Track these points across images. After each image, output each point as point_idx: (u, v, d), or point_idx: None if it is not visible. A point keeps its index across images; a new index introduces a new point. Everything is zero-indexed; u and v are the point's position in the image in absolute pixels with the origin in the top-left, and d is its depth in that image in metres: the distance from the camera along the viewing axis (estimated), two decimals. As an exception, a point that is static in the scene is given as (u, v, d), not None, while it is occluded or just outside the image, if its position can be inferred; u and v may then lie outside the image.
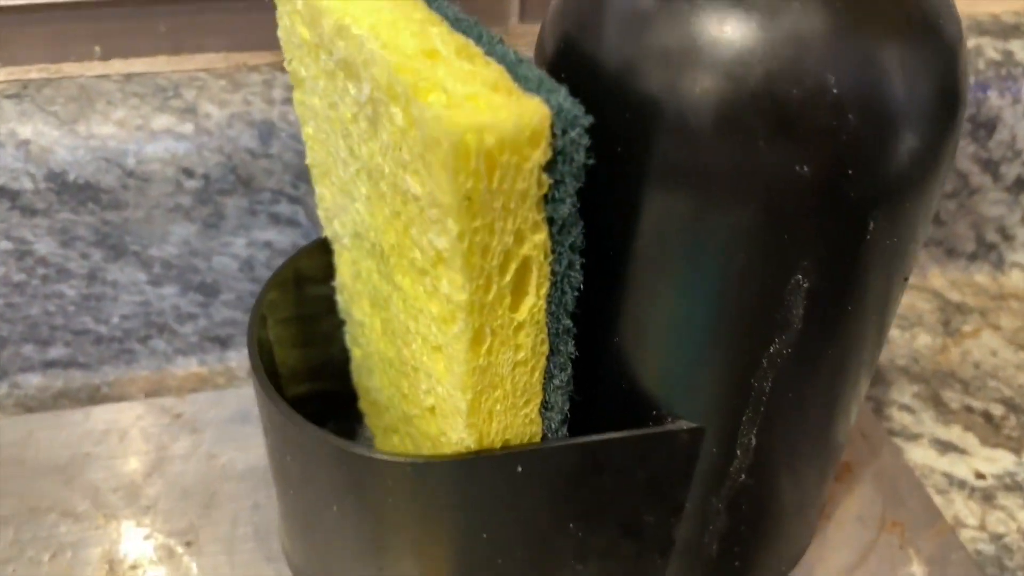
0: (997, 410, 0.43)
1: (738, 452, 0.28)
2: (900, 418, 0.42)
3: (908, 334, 0.47)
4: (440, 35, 0.23)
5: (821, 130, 0.22)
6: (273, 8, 0.38)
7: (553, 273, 0.23)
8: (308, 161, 0.31)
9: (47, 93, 0.37)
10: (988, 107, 0.44)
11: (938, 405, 0.43)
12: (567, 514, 0.29)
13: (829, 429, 0.30)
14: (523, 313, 0.23)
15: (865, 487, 0.39)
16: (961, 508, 0.39)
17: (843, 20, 0.22)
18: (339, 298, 0.35)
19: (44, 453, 0.38)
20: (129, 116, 0.37)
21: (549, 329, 0.24)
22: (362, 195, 0.27)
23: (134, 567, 0.34)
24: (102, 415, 0.40)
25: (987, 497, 0.39)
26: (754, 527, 0.31)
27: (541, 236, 0.22)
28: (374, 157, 0.25)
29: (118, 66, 0.38)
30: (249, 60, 0.39)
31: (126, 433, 0.39)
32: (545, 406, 0.26)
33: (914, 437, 0.42)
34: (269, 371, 0.31)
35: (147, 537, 0.35)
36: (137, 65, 0.38)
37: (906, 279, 0.27)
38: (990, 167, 0.46)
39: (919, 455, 0.41)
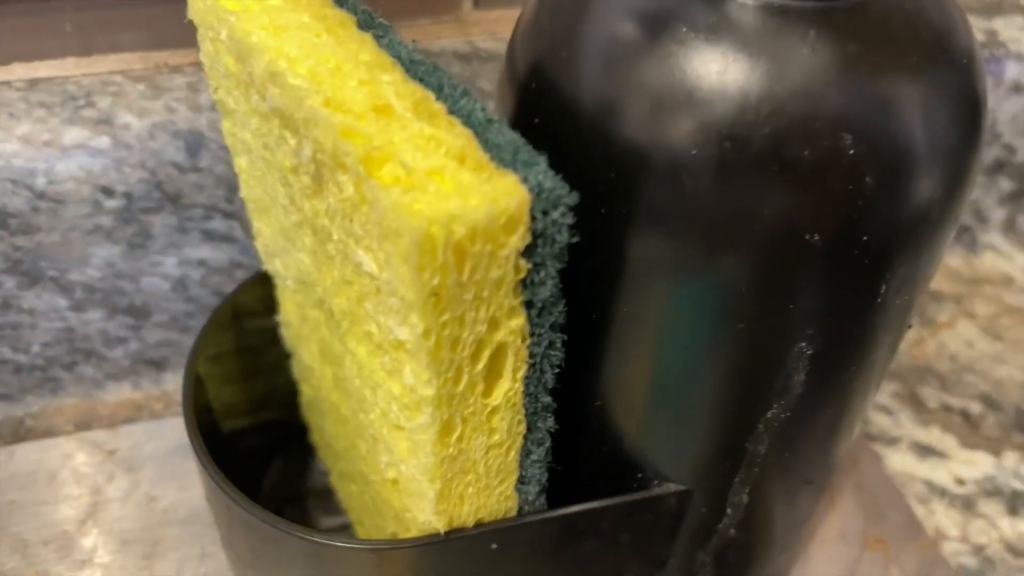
0: (975, 408, 0.42)
1: (729, 510, 0.26)
2: (878, 420, 0.41)
3: (882, 325, 0.45)
4: (393, 85, 0.19)
5: (835, 196, 0.19)
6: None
7: (531, 355, 0.20)
8: (243, 194, 0.28)
9: (-62, 103, 0.32)
10: (969, 90, 0.42)
11: (916, 405, 0.42)
12: (545, 580, 0.27)
13: (825, 474, 0.28)
14: (497, 398, 0.21)
15: (847, 501, 0.37)
16: (942, 518, 0.37)
17: (860, 68, 0.19)
18: (284, 333, 0.32)
19: (-37, 502, 0.34)
20: (35, 130, 0.32)
21: (526, 409, 0.22)
22: (306, 246, 0.24)
23: (71, 632, 0.31)
24: (27, 455, 0.36)
25: (968, 504, 0.38)
26: (742, 571, 0.29)
27: (518, 321, 0.19)
28: (319, 217, 0.21)
29: (19, 71, 0.33)
30: (170, 59, 0.35)
31: (55, 475, 0.36)
32: (521, 480, 0.24)
33: (893, 441, 0.40)
34: (201, 407, 0.28)
35: (84, 596, 0.32)
36: (41, 69, 0.33)
37: (910, 326, 0.25)
38: (968, 150, 0.44)
39: (898, 461, 0.39)
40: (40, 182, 0.32)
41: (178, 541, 0.34)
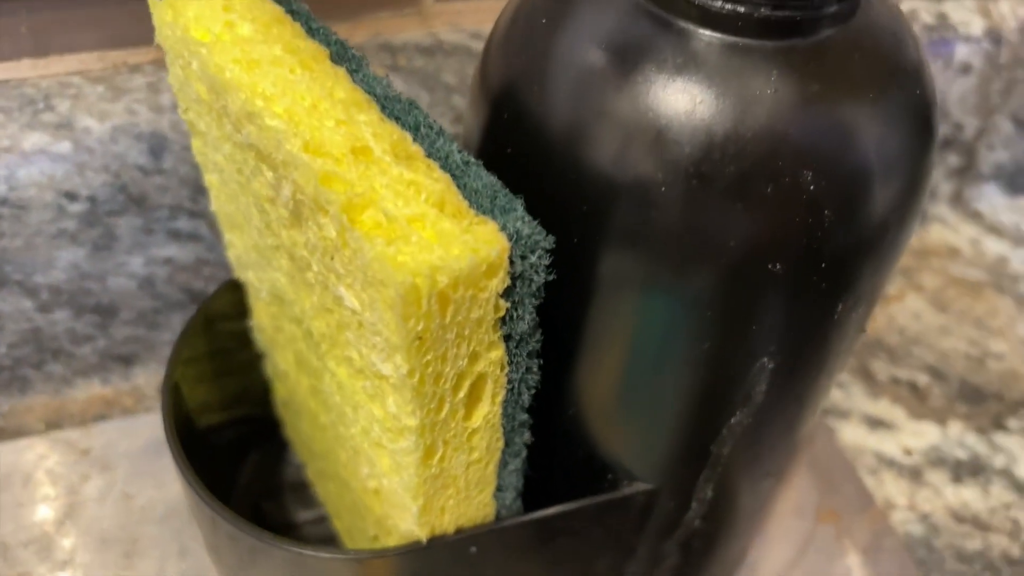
0: (922, 380, 0.44)
1: (694, 504, 0.27)
2: (831, 395, 0.43)
3: (835, 299, 0.47)
4: (370, 125, 0.20)
5: (795, 229, 0.20)
6: None
7: (509, 381, 0.21)
8: (213, 208, 0.28)
9: None
10: (919, 73, 0.43)
11: (867, 378, 0.44)
12: (520, 574, 0.28)
13: (784, 466, 0.29)
14: (477, 421, 0.22)
15: (801, 477, 0.39)
16: (891, 488, 0.40)
17: (819, 107, 0.20)
18: (257, 336, 0.32)
19: (-62, 507, 0.35)
20: (-6, 136, 0.32)
21: (504, 427, 0.23)
22: (283, 268, 0.24)
23: (56, 632, 0.32)
24: (1, 456, 0.36)
25: (915, 474, 0.40)
26: (706, 555, 0.31)
27: (497, 353, 0.20)
28: (297, 247, 0.22)
29: (-26, 74, 0.33)
30: (129, 58, 0.34)
31: (30, 476, 0.36)
32: (499, 488, 0.25)
33: (845, 415, 0.42)
34: (175, 406, 0.29)
35: (66, 596, 0.33)
36: (-4, 72, 0.33)
37: (864, 331, 0.26)
38: (917, 129, 0.46)
39: (850, 434, 0.41)
40: (1, 189, 0.32)
41: (157, 539, 0.35)
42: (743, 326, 0.22)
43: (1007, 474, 0.40)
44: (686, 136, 0.19)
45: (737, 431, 0.25)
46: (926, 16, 0.42)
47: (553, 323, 0.22)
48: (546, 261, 0.19)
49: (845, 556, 0.37)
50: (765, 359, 0.23)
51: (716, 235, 0.20)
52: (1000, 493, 0.40)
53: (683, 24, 0.20)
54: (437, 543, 0.24)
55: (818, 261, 0.20)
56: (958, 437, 0.42)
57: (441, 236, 0.18)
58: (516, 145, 0.22)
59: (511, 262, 0.18)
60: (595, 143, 0.20)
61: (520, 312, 0.19)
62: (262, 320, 0.30)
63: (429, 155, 0.19)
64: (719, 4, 0.19)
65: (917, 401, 0.43)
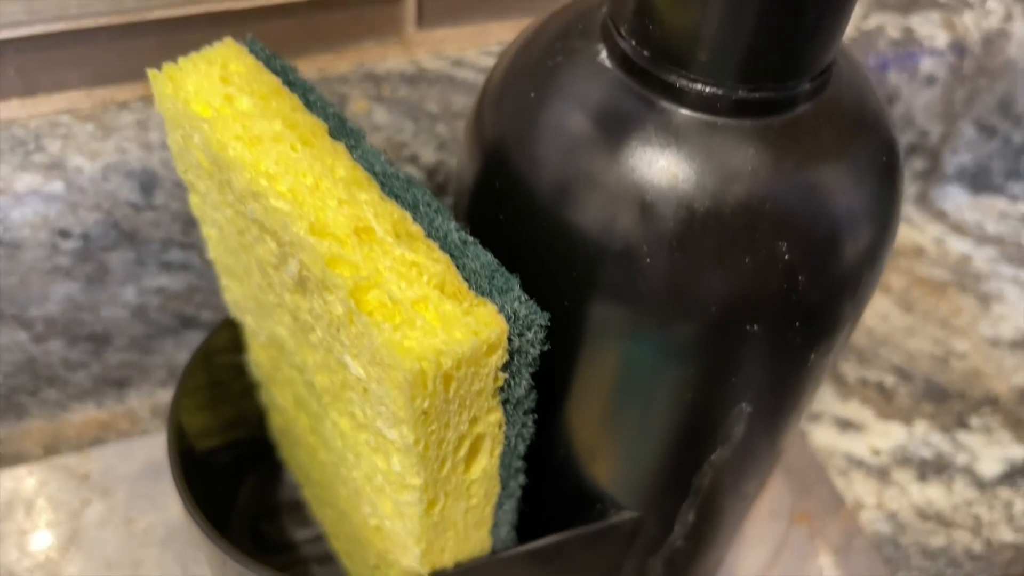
0: (889, 380, 0.46)
1: (677, 527, 0.29)
2: (803, 398, 0.45)
3: (806, 302, 0.49)
4: (371, 205, 0.21)
5: (771, 295, 0.21)
6: (140, 36, 0.34)
7: (506, 436, 0.22)
8: (210, 256, 0.29)
9: None
10: (887, 86, 0.44)
11: (837, 380, 0.46)
12: (514, 597, 0.29)
13: (765, 482, 0.31)
14: (476, 473, 0.23)
15: (775, 480, 0.41)
16: (860, 488, 0.42)
17: (794, 181, 0.21)
18: (254, 369, 0.33)
19: (-57, 536, 0.36)
20: (-13, 179, 0.32)
21: (501, 475, 0.24)
22: (284, 323, 0.25)
23: (66, 657, 0.33)
24: (2, 484, 0.37)
25: (882, 474, 0.42)
26: (688, 567, 0.33)
27: (496, 415, 0.21)
28: (301, 312, 0.23)
29: (-37, 117, 0.33)
30: (117, 95, 0.35)
31: (32, 503, 0.37)
32: (495, 525, 0.26)
33: (816, 417, 0.44)
34: (174, 433, 0.30)
35: (74, 621, 0.34)
36: (-14, 114, 0.33)
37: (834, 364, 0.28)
38: (884, 138, 0.47)
39: (821, 436, 0.43)
40: (-4, 230, 0.33)
41: (160, 561, 0.36)
42: (723, 377, 0.23)
43: (969, 471, 0.43)
44: (669, 211, 0.21)
45: (717, 465, 0.26)
46: (892, 31, 0.43)
47: (546, 374, 0.23)
48: (541, 336, 0.20)
49: (817, 556, 0.39)
50: (743, 404, 0.24)
51: (697, 300, 0.21)
52: (963, 490, 0.42)
53: (665, 103, 0.21)
54: (438, 577, 0.26)
55: (792, 320, 0.22)
56: (923, 436, 0.44)
57: (444, 319, 0.19)
58: (508, 212, 0.23)
59: (509, 340, 0.19)
60: (584, 213, 0.21)
61: (517, 380, 0.20)
62: (260, 358, 0.31)
63: (429, 234, 0.20)
64: (699, 86, 0.20)
65: (884, 401, 0.45)
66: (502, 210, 0.23)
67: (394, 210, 0.20)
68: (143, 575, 0.35)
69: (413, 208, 0.21)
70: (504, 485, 0.24)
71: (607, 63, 0.22)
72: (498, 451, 0.23)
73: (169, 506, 0.37)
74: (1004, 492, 0.42)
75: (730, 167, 0.21)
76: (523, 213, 0.22)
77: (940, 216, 0.53)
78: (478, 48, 0.38)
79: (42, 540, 0.36)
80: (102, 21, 0.33)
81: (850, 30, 0.43)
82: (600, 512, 0.28)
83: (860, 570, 0.39)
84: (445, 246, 0.20)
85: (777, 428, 0.26)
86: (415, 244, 0.20)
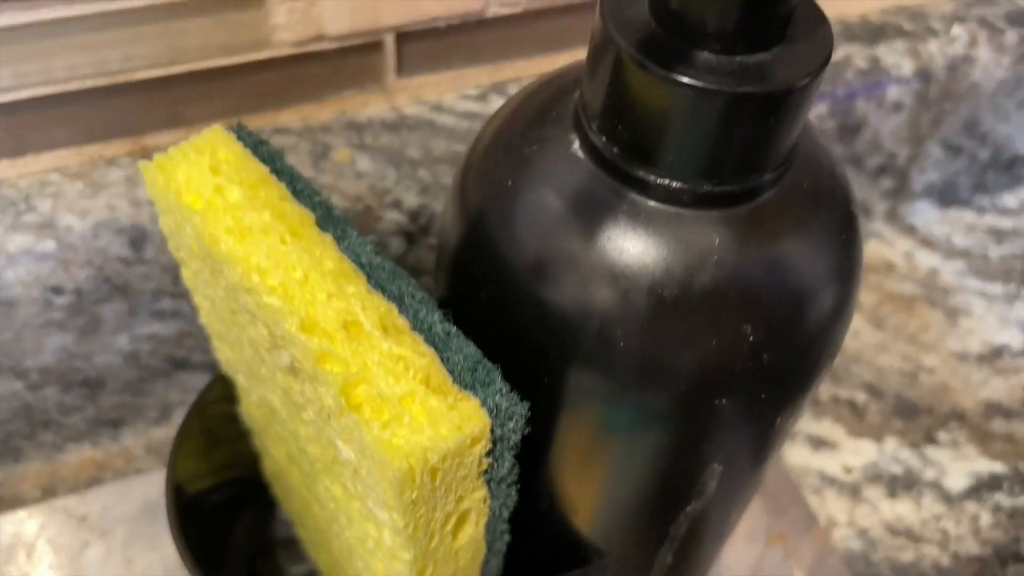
0: (860, 397, 0.47)
1: (655, 567, 0.31)
2: (778, 418, 0.46)
3: (780, 321, 0.50)
4: (359, 298, 0.22)
5: (737, 374, 0.22)
6: (127, 94, 0.34)
7: (491, 508, 0.24)
8: (202, 320, 0.30)
9: None
10: (855, 114, 0.45)
11: (811, 399, 0.47)
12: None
13: (740, 519, 0.32)
14: (463, 540, 0.24)
15: (752, 502, 0.43)
16: (833, 506, 0.43)
17: (758, 268, 0.22)
18: (246, 420, 0.34)
19: (-53, 582, 0.37)
20: (-21, 241, 0.33)
21: (487, 538, 0.25)
22: (276, 395, 0.26)
23: None
24: (2, 528, 0.38)
25: (854, 491, 0.44)
26: (666, 598, 0.35)
27: (481, 493, 0.23)
28: (293, 392, 0.24)
29: (-46, 180, 0.34)
30: (105, 151, 0.35)
31: (33, 546, 0.38)
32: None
33: (791, 437, 0.46)
34: (175, 491, 0.31)
35: (78, 662, 0.35)
36: (-24, 176, 0.34)
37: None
38: (855, 161, 0.48)
39: (796, 455, 0.45)
40: (-10, 290, 0.33)
41: (160, 600, 0.37)
42: (694, 444, 0.24)
43: (937, 486, 0.44)
44: (640, 298, 0.22)
45: (692, 515, 0.28)
46: (860, 61, 0.45)
47: (529, 444, 0.24)
48: (522, 423, 0.21)
49: None
50: (715, 464, 0.25)
51: (667, 378, 0.22)
52: (931, 505, 0.44)
53: (634, 195, 0.22)
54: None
55: (758, 393, 0.23)
56: (893, 452, 0.45)
57: (430, 415, 0.20)
58: (489, 291, 0.24)
59: (492, 430, 0.20)
60: (560, 298, 0.23)
61: (500, 462, 0.22)
62: (252, 412, 0.32)
63: (414, 327, 0.21)
64: (666, 181, 0.22)
65: (856, 419, 0.47)
66: (484, 289, 0.24)
67: (381, 303, 0.22)
68: (144, 615, 0.37)
69: (399, 300, 0.22)
70: (489, 547, 0.26)
71: (579, 154, 0.23)
72: (483, 521, 0.24)
73: (166, 545, 0.38)
74: (970, 506, 0.44)
75: (696, 256, 0.22)
76: (503, 294, 0.24)
77: (910, 231, 0.55)
78: (457, 92, 0.39)
79: (44, 583, 0.37)
80: (88, 83, 0.33)
81: (819, 62, 0.44)
82: (582, 558, 0.30)
83: (833, 588, 0.40)
84: (430, 338, 0.21)
85: (748, 480, 0.28)
86: (401, 338, 0.21)
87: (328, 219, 0.24)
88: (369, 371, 0.20)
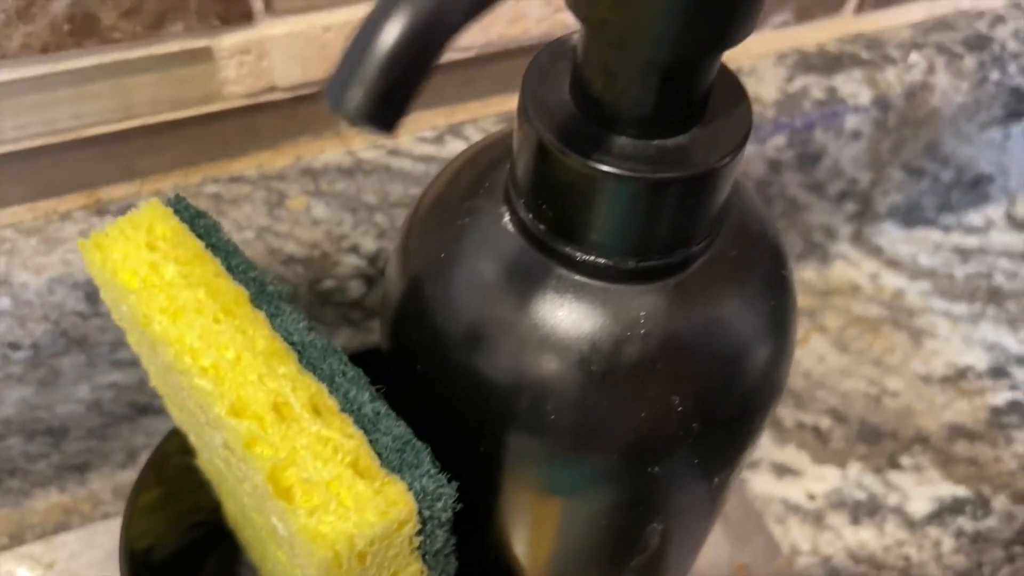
0: (824, 423, 0.48)
1: (607, 615, 0.31)
2: (742, 445, 0.46)
3: (746, 346, 0.51)
4: (289, 379, 0.22)
5: (668, 442, 0.23)
6: (79, 149, 0.35)
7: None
8: (152, 383, 0.30)
9: None
10: (814, 144, 0.46)
11: (775, 425, 0.47)
12: None
13: (695, 559, 0.33)
14: (405, 607, 0.24)
15: (714, 533, 0.43)
16: (796, 535, 0.44)
17: (684, 339, 0.22)
18: (204, 470, 0.34)
19: (-87, 634, 0.37)
20: (-66, 301, 0.33)
21: (430, 603, 0.26)
22: (222, 460, 0.27)
23: None
24: (-33, 578, 0.38)
25: (817, 518, 0.44)
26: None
27: (416, 566, 0.23)
28: (232, 466, 0.24)
29: (-92, 240, 0.34)
30: (59, 206, 0.36)
31: (-2, 596, 0.38)
32: (430, 634, 0.28)
33: (754, 464, 0.46)
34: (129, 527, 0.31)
35: None
36: (-70, 235, 0.34)
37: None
38: (816, 188, 0.49)
39: (760, 483, 0.45)
40: (-54, 349, 0.34)
41: (125, 647, 0.37)
42: (632, 507, 0.25)
43: (900, 512, 0.45)
44: (570, 371, 0.22)
45: (637, 568, 0.28)
46: (817, 92, 0.45)
47: (469, 505, 0.25)
48: (451, 502, 0.21)
49: (755, 606, 0.41)
50: (655, 524, 0.26)
51: (600, 449, 0.23)
52: (893, 531, 0.44)
53: (562, 271, 0.22)
54: None
55: (691, 459, 0.24)
56: (856, 478, 0.46)
57: (356, 500, 0.20)
58: (425, 363, 0.24)
59: (419, 512, 0.21)
60: (492, 371, 0.23)
61: (432, 539, 0.22)
62: (206, 467, 0.33)
63: (343, 407, 0.22)
64: (591, 257, 0.22)
65: (820, 445, 0.47)
66: (420, 356, 0.25)
67: (311, 383, 0.22)
68: (109, 663, 0.37)
69: (329, 379, 0.22)
70: (435, 607, 0.26)
71: (510, 227, 0.23)
72: (424, 588, 0.24)
73: (132, 591, 0.39)
74: (933, 531, 0.44)
75: (623, 329, 0.22)
76: (438, 362, 0.24)
77: (876, 252, 0.55)
78: (412, 135, 0.40)
79: (10, 633, 0.37)
80: (39, 142, 0.33)
81: (775, 93, 0.44)
82: (533, 609, 0.30)
83: (795, 618, 0.41)
84: (359, 419, 0.22)
85: (692, 535, 0.28)
86: (331, 419, 0.21)
87: (262, 295, 0.24)
88: (298, 455, 0.21)
